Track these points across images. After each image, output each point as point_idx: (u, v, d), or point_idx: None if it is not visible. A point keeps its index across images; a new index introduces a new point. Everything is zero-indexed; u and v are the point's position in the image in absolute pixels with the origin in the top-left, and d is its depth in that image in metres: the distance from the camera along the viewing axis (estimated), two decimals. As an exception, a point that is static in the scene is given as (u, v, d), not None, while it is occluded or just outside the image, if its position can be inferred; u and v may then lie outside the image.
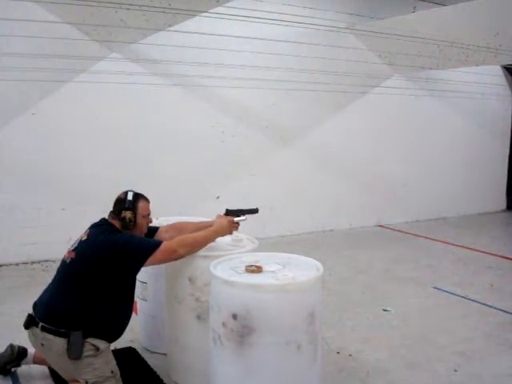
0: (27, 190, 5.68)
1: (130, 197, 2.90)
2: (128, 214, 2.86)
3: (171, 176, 6.40)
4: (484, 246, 6.92)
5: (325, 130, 7.67)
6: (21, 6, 5.14)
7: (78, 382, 2.68)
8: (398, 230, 8.06)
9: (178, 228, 3.22)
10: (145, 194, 3.02)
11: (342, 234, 7.72)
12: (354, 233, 7.86)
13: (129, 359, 3.37)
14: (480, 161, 9.60)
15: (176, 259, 2.85)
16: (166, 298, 3.22)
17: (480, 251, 6.73)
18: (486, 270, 5.91)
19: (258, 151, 7.18)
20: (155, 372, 3.25)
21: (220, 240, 3.15)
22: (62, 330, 2.61)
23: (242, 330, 2.38)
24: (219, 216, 3.18)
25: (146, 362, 3.39)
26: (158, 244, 2.79)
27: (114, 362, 2.78)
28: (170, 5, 4.74)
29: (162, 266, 3.03)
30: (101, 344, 2.68)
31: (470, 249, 6.85)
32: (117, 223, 2.88)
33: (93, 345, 2.65)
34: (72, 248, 2.82)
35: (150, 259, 2.75)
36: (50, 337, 2.63)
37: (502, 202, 10.22)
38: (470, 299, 4.83)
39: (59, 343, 2.61)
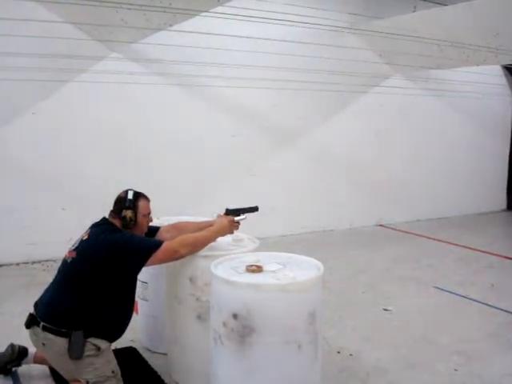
0: (27, 190, 5.68)
1: (130, 196, 2.90)
2: (128, 213, 2.86)
3: (171, 175, 6.40)
4: (485, 246, 6.92)
5: (325, 130, 7.67)
6: (21, 6, 5.14)
7: (79, 381, 2.68)
8: (399, 230, 8.05)
9: (179, 228, 3.22)
10: (145, 193, 3.02)
11: (343, 234, 7.71)
12: (354, 232, 7.85)
13: (129, 359, 3.37)
14: (480, 160, 9.60)
15: (177, 259, 2.85)
16: (167, 297, 3.22)
17: (481, 251, 6.73)
18: (486, 269, 5.91)
19: (258, 151, 7.18)
20: (156, 372, 3.25)
21: (221, 240, 3.14)
22: (63, 330, 2.61)
23: (243, 329, 2.38)
24: (220, 216, 3.18)
25: (146, 362, 3.39)
26: (158, 244, 2.79)
27: (114, 361, 2.78)
28: (170, 4, 4.74)
29: (163, 265, 3.03)
30: (102, 344, 2.68)
31: (471, 248, 6.85)
32: (117, 222, 2.88)
33: (94, 344, 2.65)
34: (73, 248, 2.82)
35: (151, 259, 2.75)
36: (51, 336, 2.63)
37: (503, 202, 10.21)
38: (470, 299, 4.83)
39: (60, 343, 2.61)
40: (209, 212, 3.60)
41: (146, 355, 3.51)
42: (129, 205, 2.87)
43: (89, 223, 2.96)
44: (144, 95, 6.17)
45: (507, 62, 7.54)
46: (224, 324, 2.44)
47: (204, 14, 5.27)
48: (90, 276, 2.68)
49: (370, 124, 8.09)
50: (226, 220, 3.09)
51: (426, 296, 4.93)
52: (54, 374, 3.03)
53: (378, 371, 3.39)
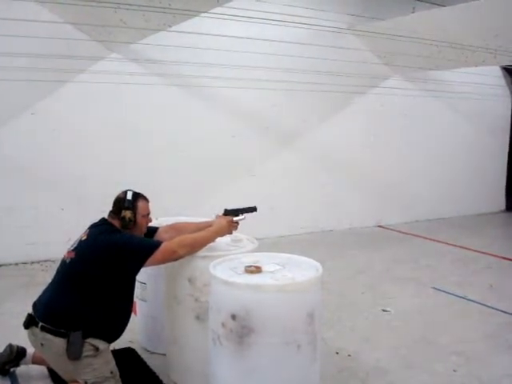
0: (26, 190, 5.67)
1: (129, 196, 2.90)
2: (128, 214, 2.86)
3: (170, 176, 6.40)
4: (483, 247, 6.92)
5: (324, 131, 7.67)
6: (21, 6, 5.14)
7: (78, 382, 2.68)
8: (398, 231, 8.06)
9: (178, 228, 3.22)
10: (144, 194, 3.02)
11: (342, 235, 7.71)
12: (353, 233, 7.86)
13: (128, 359, 3.36)
14: (479, 161, 9.61)
15: (176, 260, 2.85)
16: (166, 298, 3.22)
17: (479, 251, 6.73)
18: (485, 270, 5.91)
19: (258, 152, 7.18)
20: (154, 372, 3.25)
21: (219, 240, 3.14)
22: (62, 330, 2.61)
23: (242, 330, 2.38)
24: (218, 216, 3.19)
25: (145, 363, 3.39)
26: (157, 244, 2.79)
27: (113, 362, 2.78)
28: (169, 5, 4.74)
29: (162, 266, 3.02)
30: (100, 344, 2.68)
31: (470, 249, 6.85)
32: (116, 223, 2.88)
33: (92, 345, 2.65)
34: (72, 248, 2.82)
35: (150, 260, 2.75)
36: (50, 337, 2.63)
37: (502, 203, 10.22)
38: (469, 299, 4.83)
39: (59, 343, 2.61)
40: (208, 212, 3.60)
41: (144, 356, 3.51)
42: (128, 205, 2.87)
43: (88, 223, 2.95)
44: (143, 96, 6.16)
45: (506, 62, 7.55)
46: (223, 324, 2.44)
47: (203, 14, 5.28)
48: (88, 276, 2.68)
49: (369, 125, 8.10)
50: (224, 220, 3.09)
51: (424, 297, 4.93)
52: (53, 374, 3.03)
53: (376, 372, 3.39)
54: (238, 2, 5.25)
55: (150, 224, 3.10)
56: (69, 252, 2.81)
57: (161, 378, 3.18)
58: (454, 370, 3.40)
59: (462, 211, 9.35)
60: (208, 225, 3.12)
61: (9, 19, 4.99)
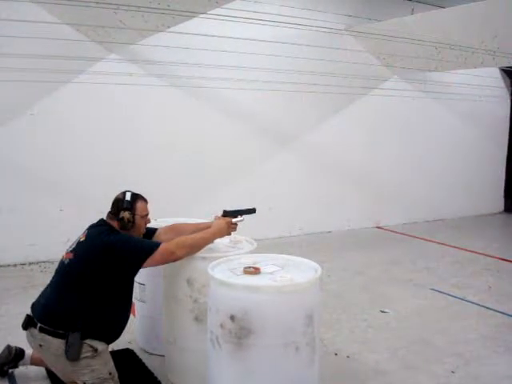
0: (25, 191, 5.67)
1: (128, 197, 2.90)
2: (126, 215, 2.86)
3: (169, 177, 6.41)
4: (482, 248, 6.93)
5: (323, 132, 7.68)
6: (20, 7, 5.15)
7: (76, 383, 2.68)
8: (396, 232, 8.06)
9: (177, 229, 3.22)
10: (143, 195, 3.02)
11: (341, 236, 7.72)
12: (352, 234, 7.86)
13: (127, 361, 3.36)
14: (478, 163, 9.61)
15: (174, 261, 2.85)
16: (164, 299, 3.22)
17: (478, 253, 6.74)
18: (483, 271, 5.91)
19: (256, 152, 7.18)
20: (153, 373, 3.24)
21: (218, 241, 3.15)
22: (60, 331, 2.61)
23: (240, 331, 2.38)
24: (217, 217, 3.19)
25: (143, 364, 3.38)
26: (156, 245, 2.79)
27: (111, 363, 2.78)
28: (168, 6, 4.74)
29: (160, 267, 3.02)
30: (99, 345, 2.68)
31: (468, 250, 6.86)
32: (115, 224, 2.88)
33: (91, 346, 2.65)
34: (70, 249, 2.82)
35: (149, 261, 2.75)
36: (48, 338, 2.63)
37: (500, 204, 10.23)
38: (467, 301, 4.84)
39: (57, 344, 2.61)
40: (207, 213, 3.60)
41: (143, 357, 3.50)
42: (126, 206, 2.87)
43: (87, 224, 2.95)
44: (142, 96, 6.16)
45: (505, 64, 7.56)
46: (221, 326, 2.44)
47: (202, 15, 5.28)
48: (87, 277, 2.68)
49: (368, 126, 8.10)
50: (223, 222, 3.09)
51: (423, 298, 4.93)
52: (51, 375, 3.03)
53: (375, 373, 3.39)
54: (237, 3, 5.25)
55: (149, 225, 3.10)
56: (67, 253, 2.81)
57: (159, 379, 3.17)
58: (453, 372, 3.40)
59: (460, 212, 9.36)
60: (207, 226, 3.12)
61: (8, 20, 4.98)
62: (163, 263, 2.89)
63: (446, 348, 3.77)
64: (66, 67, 5.55)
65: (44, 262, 5.67)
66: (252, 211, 3.23)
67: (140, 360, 3.44)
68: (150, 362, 3.41)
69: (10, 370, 3.16)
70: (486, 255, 6.62)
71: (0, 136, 5.53)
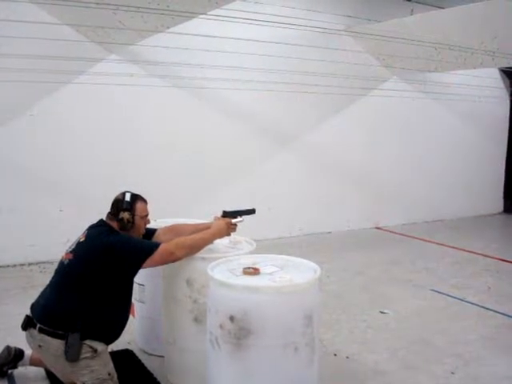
0: (25, 192, 5.67)
1: (127, 198, 2.90)
2: (126, 215, 2.86)
3: (169, 177, 6.41)
4: (481, 249, 6.93)
5: (322, 132, 7.68)
6: (20, 8, 5.15)
7: None
8: (396, 232, 8.06)
9: (176, 230, 3.22)
10: (143, 195, 3.02)
11: (340, 236, 7.72)
12: (351, 235, 7.86)
13: (126, 361, 3.36)
14: (477, 163, 9.62)
15: (174, 261, 2.85)
16: (164, 300, 3.22)
17: (477, 253, 6.74)
18: (483, 272, 5.91)
19: (256, 153, 7.19)
20: (152, 374, 3.24)
21: (218, 242, 3.15)
22: (60, 332, 2.61)
23: (239, 332, 2.38)
24: (216, 218, 3.19)
25: (143, 364, 3.38)
26: (156, 246, 2.79)
27: (111, 364, 2.78)
28: (168, 7, 4.74)
29: (160, 267, 3.02)
30: (98, 346, 2.68)
31: (468, 251, 6.86)
32: (115, 224, 2.88)
33: (90, 347, 2.64)
34: (70, 249, 2.82)
35: (148, 261, 2.75)
36: (48, 338, 2.63)
37: (499, 205, 10.23)
38: (467, 301, 4.84)
39: (57, 345, 2.61)
40: (206, 214, 3.60)
41: (142, 357, 3.50)
42: (126, 207, 2.87)
43: (86, 225, 2.95)
44: (142, 97, 6.17)
45: (504, 64, 7.56)
46: (221, 326, 2.44)
47: (201, 16, 5.29)
48: (86, 278, 2.68)
49: (368, 126, 8.11)
50: (223, 222, 3.09)
51: (422, 298, 4.93)
52: (50, 376, 3.02)
53: (374, 373, 3.39)
54: (236, 4, 5.25)
55: (149, 225, 3.10)
56: (67, 253, 2.81)
57: (159, 379, 3.17)
58: (452, 372, 3.40)
59: (460, 213, 9.36)
60: (206, 227, 3.13)
61: (8, 21, 4.98)
62: (163, 264, 2.89)
63: (446, 348, 3.77)
64: (66, 68, 5.55)
65: (43, 262, 5.66)
66: (252, 212, 3.23)
67: (139, 361, 3.44)
68: (150, 363, 3.41)
69: (10, 371, 3.16)
70: (485, 256, 6.62)
71: (0, 136, 5.53)
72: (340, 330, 4.10)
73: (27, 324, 2.74)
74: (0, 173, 5.56)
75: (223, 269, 2.69)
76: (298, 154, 7.53)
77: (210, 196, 6.60)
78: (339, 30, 7.18)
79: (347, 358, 3.62)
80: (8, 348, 3.12)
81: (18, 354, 3.11)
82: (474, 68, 7.62)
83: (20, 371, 3.18)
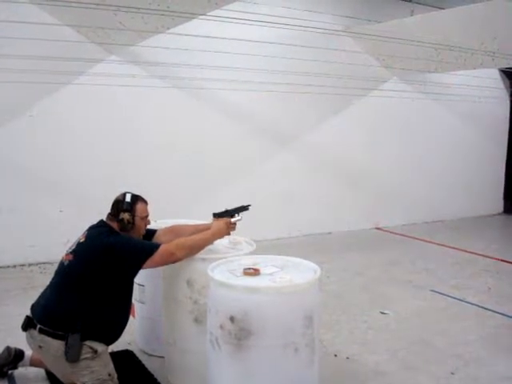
0: (25, 192, 5.67)
1: (128, 198, 2.90)
2: (126, 216, 2.86)
3: (169, 177, 6.41)
4: (481, 249, 6.93)
5: (322, 133, 7.68)
6: (20, 8, 5.15)
7: (76, 384, 2.68)
8: (396, 233, 8.06)
9: (176, 231, 3.22)
10: (143, 196, 3.02)
11: (340, 237, 7.72)
12: (351, 235, 7.86)
13: (126, 362, 3.36)
14: (477, 164, 9.62)
15: (174, 262, 2.85)
16: (164, 300, 3.22)
17: (477, 254, 6.74)
18: (483, 272, 5.91)
19: (255, 153, 7.19)
20: (153, 375, 3.24)
21: (218, 242, 3.15)
22: (60, 333, 2.61)
23: (240, 332, 2.38)
24: (215, 218, 3.19)
25: (143, 365, 3.38)
26: (156, 246, 2.79)
27: (111, 364, 2.78)
28: (168, 7, 4.75)
29: (160, 268, 3.02)
30: (99, 347, 2.68)
31: (467, 251, 6.86)
32: (115, 225, 2.88)
33: (90, 347, 2.64)
34: (70, 250, 2.82)
35: (148, 262, 2.75)
36: (48, 339, 2.63)
37: (499, 205, 10.23)
38: (467, 302, 4.84)
39: (57, 345, 2.61)
40: (206, 215, 3.59)
41: (142, 358, 3.50)
42: (126, 207, 2.87)
43: (86, 225, 2.95)
44: (142, 97, 6.17)
45: (504, 65, 7.57)
46: (221, 327, 2.44)
47: (201, 17, 5.29)
48: (86, 279, 2.68)
49: (368, 127, 8.11)
50: (222, 222, 3.09)
51: (422, 299, 4.93)
52: (51, 376, 3.02)
53: (374, 374, 3.39)
54: (236, 5, 5.26)
55: (149, 226, 3.10)
56: (67, 254, 2.81)
57: (159, 380, 3.17)
58: (452, 373, 3.40)
59: (460, 213, 9.36)
60: (206, 227, 3.13)
61: (8, 21, 4.98)
62: (163, 264, 2.89)
63: (446, 349, 3.77)
64: (66, 68, 5.55)
65: (44, 263, 5.66)
66: (245, 208, 3.22)
67: (140, 361, 3.44)
68: (150, 364, 3.41)
69: (10, 371, 3.16)
70: (485, 256, 6.62)
71: (0, 136, 5.54)
72: (340, 331, 4.10)
73: (27, 325, 2.74)
74: (0, 173, 5.56)
75: (223, 269, 2.69)
76: (297, 154, 7.53)
77: (210, 196, 6.60)
78: (339, 31, 7.18)
79: (347, 358, 3.62)
80: (8, 349, 3.12)
81: (19, 355, 3.11)
82: (474, 68, 7.63)
83: (20, 372, 3.18)
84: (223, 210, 3.21)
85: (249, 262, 2.80)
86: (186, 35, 5.72)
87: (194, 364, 2.95)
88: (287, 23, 5.98)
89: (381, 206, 8.39)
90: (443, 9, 6.71)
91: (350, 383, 3.29)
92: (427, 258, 6.52)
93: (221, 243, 3.20)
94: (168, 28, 5.35)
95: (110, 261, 2.68)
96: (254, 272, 2.60)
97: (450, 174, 9.20)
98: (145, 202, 3.00)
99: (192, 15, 5.12)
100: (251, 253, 3.09)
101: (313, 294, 2.54)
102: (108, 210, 2.95)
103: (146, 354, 3.60)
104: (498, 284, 5.47)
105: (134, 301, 3.22)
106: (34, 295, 2.91)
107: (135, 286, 3.11)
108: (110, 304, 2.75)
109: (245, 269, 2.63)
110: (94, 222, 2.95)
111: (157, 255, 2.75)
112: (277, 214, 7.17)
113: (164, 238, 3.12)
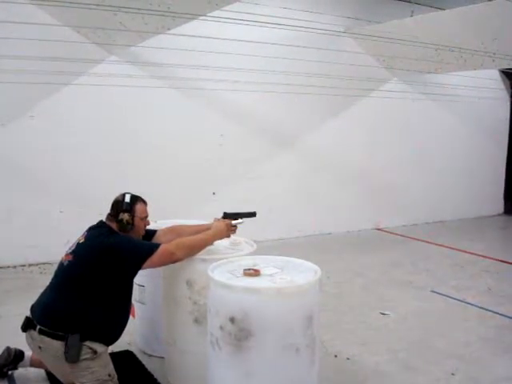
0: (25, 193, 5.67)
1: (127, 199, 2.90)
2: (126, 216, 2.86)
3: (169, 178, 6.40)
4: (481, 250, 6.92)
5: (323, 133, 7.68)
6: (20, 9, 5.15)
7: (76, 385, 2.68)
8: (396, 234, 8.06)
9: (176, 231, 3.22)
10: (142, 197, 3.02)
11: (340, 237, 7.71)
12: (352, 236, 7.86)
13: (126, 362, 3.36)
14: (478, 164, 9.62)
15: (174, 262, 2.85)
16: (164, 301, 3.22)
17: (477, 255, 6.74)
18: (483, 273, 5.91)
19: (256, 154, 7.18)
20: (153, 375, 3.24)
21: (218, 243, 3.15)
22: (60, 333, 2.61)
23: (240, 333, 2.38)
24: (216, 219, 3.19)
25: (143, 366, 3.38)
26: (156, 247, 2.79)
27: (111, 365, 2.78)
28: (168, 8, 4.75)
29: (160, 268, 3.03)
30: (98, 347, 2.68)
31: (468, 252, 6.86)
32: (114, 225, 2.88)
33: (90, 348, 2.64)
34: (70, 251, 2.82)
35: (148, 262, 2.75)
36: (48, 340, 2.62)
37: (500, 206, 10.23)
38: (467, 303, 4.83)
39: (57, 346, 2.60)
40: (206, 215, 3.60)
41: (142, 359, 3.50)
42: (126, 208, 2.87)
43: (86, 226, 2.95)
44: (142, 98, 6.17)
45: (504, 66, 7.57)
46: (221, 327, 2.44)
47: (202, 17, 5.29)
48: (86, 279, 2.68)
49: (368, 127, 8.11)
50: (223, 223, 3.09)
51: (423, 300, 4.93)
52: (51, 377, 3.02)
53: (375, 375, 3.39)
54: (237, 5, 5.26)
55: (148, 227, 3.10)
56: (67, 255, 2.81)
57: (159, 381, 3.18)
58: (453, 374, 3.40)
59: (460, 214, 9.36)
60: (206, 228, 3.13)
61: (9, 22, 4.99)
62: (163, 265, 2.89)
63: (446, 350, 3.77)
64: (67, 69, 5.55)
65: (44, 263, 5.66)
66: (252, 215, 3.24)
67: (140, 362, 3.44)
68: (150, 364, 3.41)
69: (10, 372, 3.16)
70: (485, 257, 6.62)
71: (0, 137, 5.54)
72: (340, 331, 4.10)
73: (27, 325, 2.74)
74: (0, 173, 5.56)
75: (223, 270, 2.69)
76: (298, 154, 7.53)
77: (210, 197, 6.60)
78: (339, 32, 7.19)
79: (348, 359, 3.62)
80: (8, 349, 3.12)
81: (19, 356, 3.11)
82: (475, 69, 7.63)
83: (20, 372, 3.18)
84: (235, 211, 3.21)
85: (249, 262, 2.80)
86: (187, 36, 5.72)
87: (193, 364, 2.95)
88: (287, 24, 5.99)
89: (381, 207, 8.39)
90: (443, 9, 6.70)
91: (350, 383, 3.29)
92: (427, 259, 6.52)
93: (221, 244, 3.20)
94: (168, 29, 5.35)
95: (110, 261, 2.68)
96: (254, 273, 2.60)
97: (451, 175, 9.20)
98: (144, 202, 3.00)
99: (192, 16, 5.12)
100: (251, 253, 3.09)
101: (313, 294, 2.53)
102: (108, 210, 2.95)
103: (146, 354, 3.60)
104: (499, 285, 5.47)
105: (133, 301, 3.22)
106: (33, 296, 2.90)
107: (135, 287, 3.11)
108: (110, 304, 2.75)
109: (245, 269, 2.64)
110: (94, 222, 2.95)
111: (156, 255, 2.75)
112: (277, 215, 7.16)
113: (164, 238, 3.12)
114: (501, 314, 4.51)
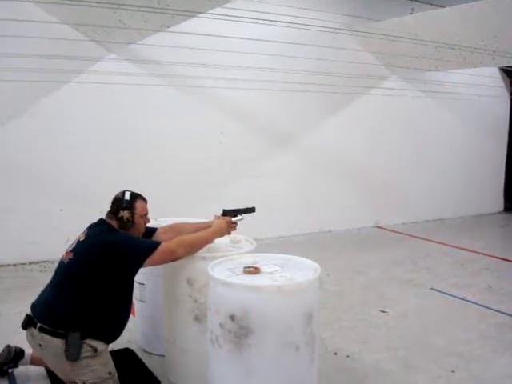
0: (25, 191, 5.67)
1: (127, 196, 2.90)
2: (126, 214, 2.86)
3: (169, 177, 6.40)
4: (481, 248, 6.93)
5: (323, 131, 7.68)
6: (19, 6, 5.14)
7: (76, 383, 2.67)
8: (396, 232, 8.06)
9: (177, 229, 3.22)
10: (142, 194, 3.02)
11: (340, 235, 7.72)
12: (351, 234, 7.86)
13: (126, 360, 3.36)
14: (477, 162, 9.62)
15: (174, 260, 2.85)
16: (164, 299, 3.22)
17: (477, 252, 6.74)
18: (483, 271, 5.91)
19: (256, 152, 7.18)
20: (153, 373, 3.24)
21: (218, 241, 3.15)
22: (60, 331, 2.61)
23: (240, 331, 2.38)
24: (217, 217, 3.19)
25: (143, 364, 3.38)
26: (156, 245, 2.79)
27: (111, 363, 2.78)
28: (168, 6, 4.74)
29: (160, 267, 3.03)
30: (99, 345, 2.68)
31: (468, 250, 6.86)
32: (114, 223, 2.88)
33: (91, 346, 2.64)
34: (70, 249, 2.82)
35: (149, 260, 2.75)
36: (48, 338, 2.62)
37: (500, 204, 10.23)
38: (467, 300, 4.83)
39: (57, 344, 2.60)
40: (206, 213, 3.60)
41: (143, 357, 3.51)
42: (126, 205, 2.87)
43: (86, 224, 2.95)
44: (142, 96, 6.16)
45: (504, 63, 7.55)
46: (221, 325, 2.44)
47: (202, 15, 5.28)
48: (86, 277, 2.68)
49: (368, 125, 8.11)
50: (223, 221, 3.09)
51: (423, 298, 4.93)
52: (51, 375, 3.03)
53: (375, 372, 3.39)
54: (236, 3, 5.25)
55: (149, 224, 3.10)
56: (67, 253, 2.81)
57: (159, 379, 3.17)
58: (453, 371, 3.40)
59: (460, 212, 9.36)
60: (207, 225, 3.13)
61: (7, 20, 4.97)
62: (163, 262, 2.89)
63: (446, 347, 3.77)
64: (66, 67, 5.53)
65: (44, 261, 5.66)
66: (252, 210, 3.24)
67: (140, 360, 3.44)
68: (150, 362, 3.41)
69: (10, 370, 3.16)
70: (486, 255, 6.62)
71: (0, 136, 5.53)
72: (340, 329, 4.10)
73: (27, 323, 2.73)
74: (0, 172, 5.56)
75: (224, 268, 2.69)
76: (298, 152, 7.53)
77: (210, 195, 6.60)
78: (339, 29, 7.17)
79: (348, 356, 3.62)
80: (9, 347, 3.12)
81: (19, 353, 3.12)
82: (475, 67, 7.61)
83: (21, 370, 3.18)
84: (233, 208, 3.21)
85: (249, 260, 2.80)
86: (186, 33, 5.71)
87: (194, 362, 2.95)
88: (287, 21, 5.97)
89: (381, 205, 8.39)
90: (443, 7, 6.68)
91: (350, 381, 3.29)
92: (427, 257, 6.52)
93: (221, 241, 3.20)
94: (168, 26, 5.34)
95: (110, 259, 2.68)
96: (254, 270, 2.60)
97: (451, 173, 9.20)
98: (144, 200, 3.00)
99: (192, 13, 5.11)
100: (251, 251, 3.09)
101: (313, 292, 2.53)
102: (108, 208, 2.95)
103: (147, 352, 3.60)
104: (499, 282, 5.47)
105: (134, 299, 3.22)
106: (34, 294, 2.91)
107: (135, 285, 3.11)
108: (111, 302, 2.75)
109: (245, 267, 2.63)
110: (94, 220, 2.95)
111: (157, 253, 2.75)
112: (277, 213, 7.16)
113: (164, 236, 3.12)
114: (501, 312, 4.51)
